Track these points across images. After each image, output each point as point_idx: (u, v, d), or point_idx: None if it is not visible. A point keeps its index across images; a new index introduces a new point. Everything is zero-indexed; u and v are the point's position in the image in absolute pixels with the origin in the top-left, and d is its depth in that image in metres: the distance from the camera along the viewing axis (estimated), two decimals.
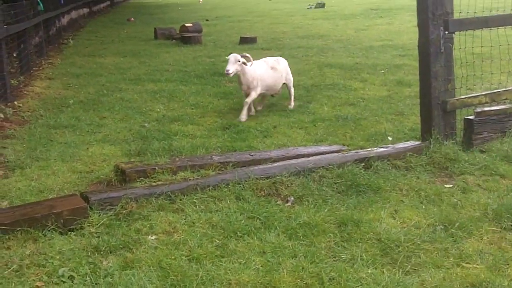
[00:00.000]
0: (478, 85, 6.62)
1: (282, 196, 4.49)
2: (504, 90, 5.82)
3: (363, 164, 4.96)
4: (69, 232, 3.82)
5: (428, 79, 5.34)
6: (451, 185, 4.71)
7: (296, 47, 13.25)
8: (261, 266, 3.42)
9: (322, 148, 5.47)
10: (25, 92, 8.53)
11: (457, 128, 5.55)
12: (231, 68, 6.68)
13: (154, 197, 4.28)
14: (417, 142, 5.43)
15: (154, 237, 3.80)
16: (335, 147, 5.54)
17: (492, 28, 5.70)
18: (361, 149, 5.44)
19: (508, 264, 3.46)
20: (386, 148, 5.30)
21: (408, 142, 5.48)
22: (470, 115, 5.56)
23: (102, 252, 3.58)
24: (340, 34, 15.64)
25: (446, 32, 5.28)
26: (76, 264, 3.41)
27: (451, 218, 4.02)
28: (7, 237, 3.68)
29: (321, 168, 4.83)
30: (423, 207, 4.29)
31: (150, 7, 28.17)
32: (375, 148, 5.32)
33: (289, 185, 4.60)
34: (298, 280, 3.27)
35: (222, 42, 14.63)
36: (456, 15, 5.42)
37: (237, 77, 6.94)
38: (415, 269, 3.42)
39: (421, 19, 5.33)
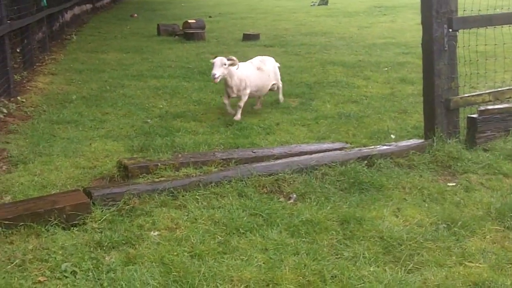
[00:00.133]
0: (482, 83, 6.60)
1: (284, 193, 4.49)
2: (507, 89, 5.81)
3: (365, 162, 4.96)
4: (72, 228, 3.83)
5: (431, 77, 5.33)
6: (454, 184, 4.71)
7: (299, 44, 13.22)
8: (263, 263, 3.42)
9: (325, 146, 5.46)
10: (28, 87, 8.53)
11: (461, 127, 5.54)
12: (218, 72, 6.38)
13: (157, 193, 4.29)
14: (420, 140, 5.43)
15: (156, 233, 3.81)
16: (337, 145, 5.54)
17: (496, 26, 5.69)
18: (364, 146, 5.44)
19: (511, 263, 3.46)
20: (389, 146, 5.30)
21: (411, 140, 5.47)
22: (474, 114, 5.55)
23: (104, 248, 3.59)
24: (343, 31, 15.60)
25: (450, 30, 5.27)
26: (79, 259, 3.42)
27: (454, 217, 4.02)
28: (10, 232, 3.70)
29: (323, 165, 4.82)
30: (426, 205, 4.29)
31: (153, 3, 28.11)
32: (378, 146, 5.32)
33: (291, 182, 4.60)
34: (300, 277, 3.27)
35: (225, 38, 14.60)
36: (460, 13, 5.41)
37: (224, 81, 6.66)
38: (417, 268, 3.42)
39: (425, 17, 5.31)
